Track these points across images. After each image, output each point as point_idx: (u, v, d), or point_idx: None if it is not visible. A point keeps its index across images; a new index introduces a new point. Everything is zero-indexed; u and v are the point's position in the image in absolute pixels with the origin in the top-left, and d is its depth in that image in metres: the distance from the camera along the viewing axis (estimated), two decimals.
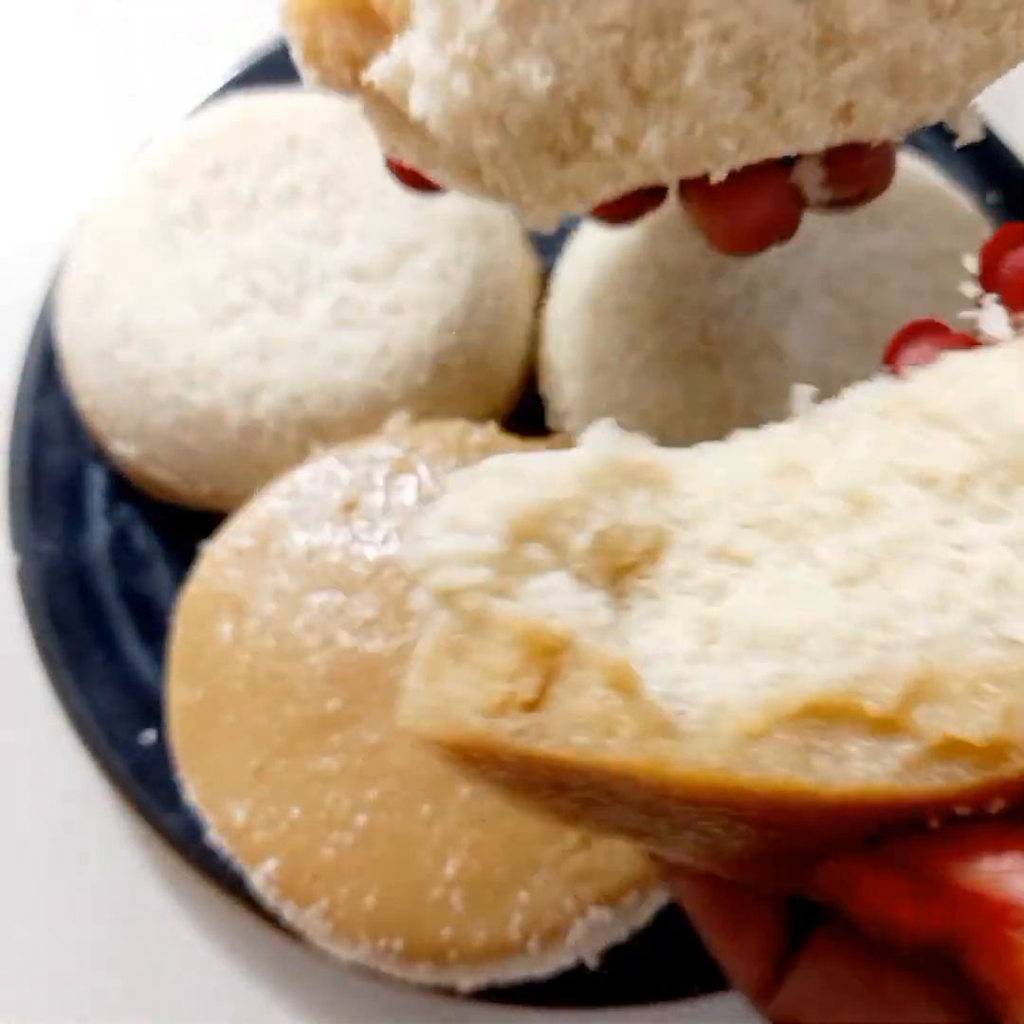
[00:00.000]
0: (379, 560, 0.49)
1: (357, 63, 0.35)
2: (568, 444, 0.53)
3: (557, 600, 0.28)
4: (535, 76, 0.31)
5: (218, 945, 0.57)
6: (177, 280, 0.58)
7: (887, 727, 0.25)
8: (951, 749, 0.25)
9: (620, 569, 0.30)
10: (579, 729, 0.26)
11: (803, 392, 0.31)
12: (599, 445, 0.30)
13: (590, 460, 0.29)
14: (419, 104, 0.32)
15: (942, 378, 0.30)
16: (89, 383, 0.59)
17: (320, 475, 0.52)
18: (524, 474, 0.29)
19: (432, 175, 0.37)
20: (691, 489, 0.30)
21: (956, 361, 0.30)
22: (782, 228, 0.37)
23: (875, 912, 0.26)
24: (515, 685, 0.26)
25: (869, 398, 0.30)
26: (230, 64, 0.71)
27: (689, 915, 0.36)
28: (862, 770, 0.25)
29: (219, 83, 0.70)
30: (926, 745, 0.25)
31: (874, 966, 0.30)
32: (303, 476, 0.52)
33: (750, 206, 0.36)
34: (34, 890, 0.59)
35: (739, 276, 0.54)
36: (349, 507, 0.51)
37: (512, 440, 0.52)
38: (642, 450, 0.31)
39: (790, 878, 0.31)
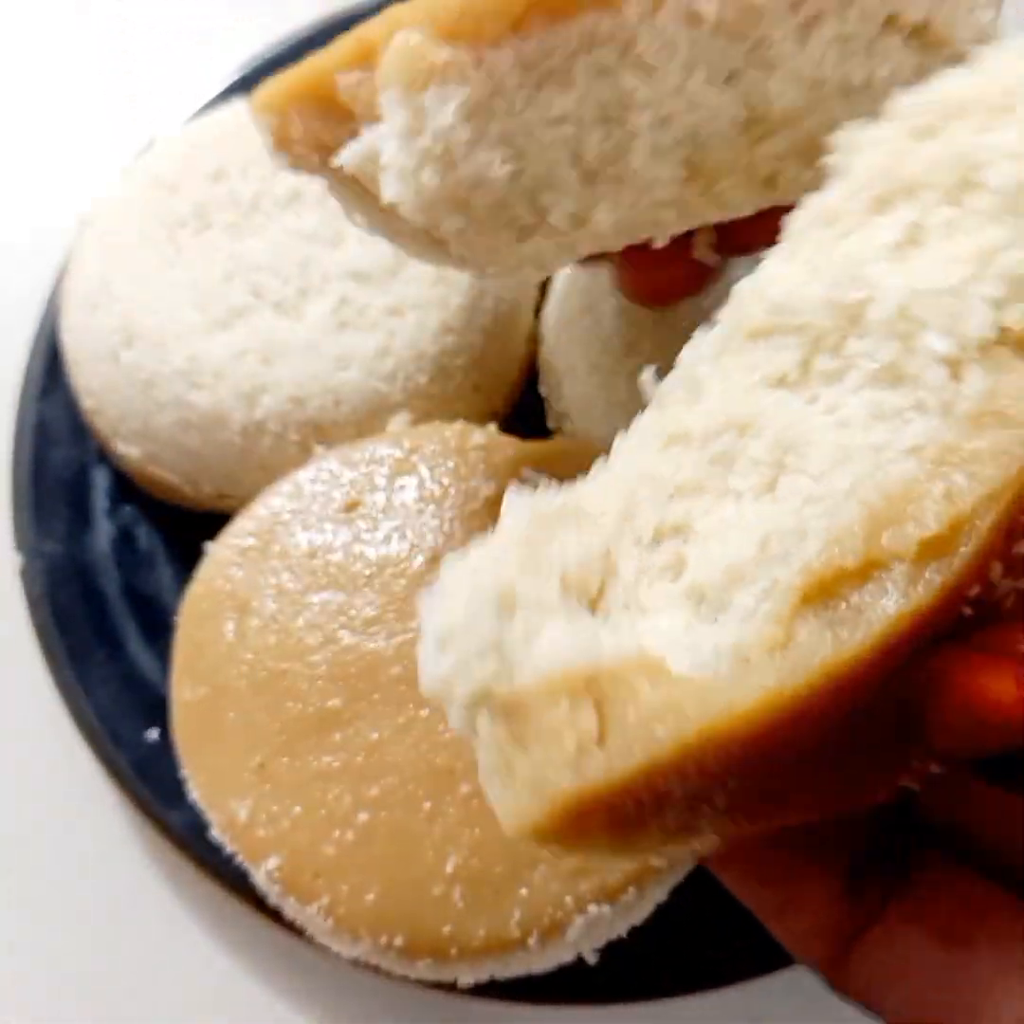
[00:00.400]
0: (380, 559, 0.49)
1: (325, 148, 0.38)
2: (568, 445, 0.54)
3: (563, 646, 0.29)
4: (496, 165, 0.35)
5: (220, 941, 0.57)
6: (179, 282, 0.58)
7: (872, 567, 0.27)
8: (929, 549, 0.27)
9: (594, 598, 0.32)
10: (652, 725, 0.27)
11: (647, 377, 0.34)
12: (517, 511, 0.32)
13: (518, 528, 0.32)
14: (390, 192, 0.35)
15: (748, 296, 0.34)
16: (92, 384, 0.60)
17: (322, 476, 0.52)
18: (474, 569, 0.31)
19: (398, 246, 0.40)
20: (602, 506, 0.33)
21: (746, 284, 0.34)
22: (688, 287, 0.43)
23: (975, 703, 0.26)
24: (577, 729, 0.28)
25: (698, 352, 0.34)
26: (230, 65, 0.71)
27: (743, 901, 0.36)
28: (880, 611, 0.27)
29: (219, 84, 0.71)
30: (910, 560, 0.27)
31: (958, 944, 0.30)
32: (305, 477, 0.52)
33: (661, 272, 0.42)
34: (37, 886, 0.59)
35: (737, 279, 0.55)
36: (350, 507, 0.51)
37: (512, 440, 0.53)
38: (550, 498, 0.33)
39: (871, 766, 0.31)
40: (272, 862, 0.46)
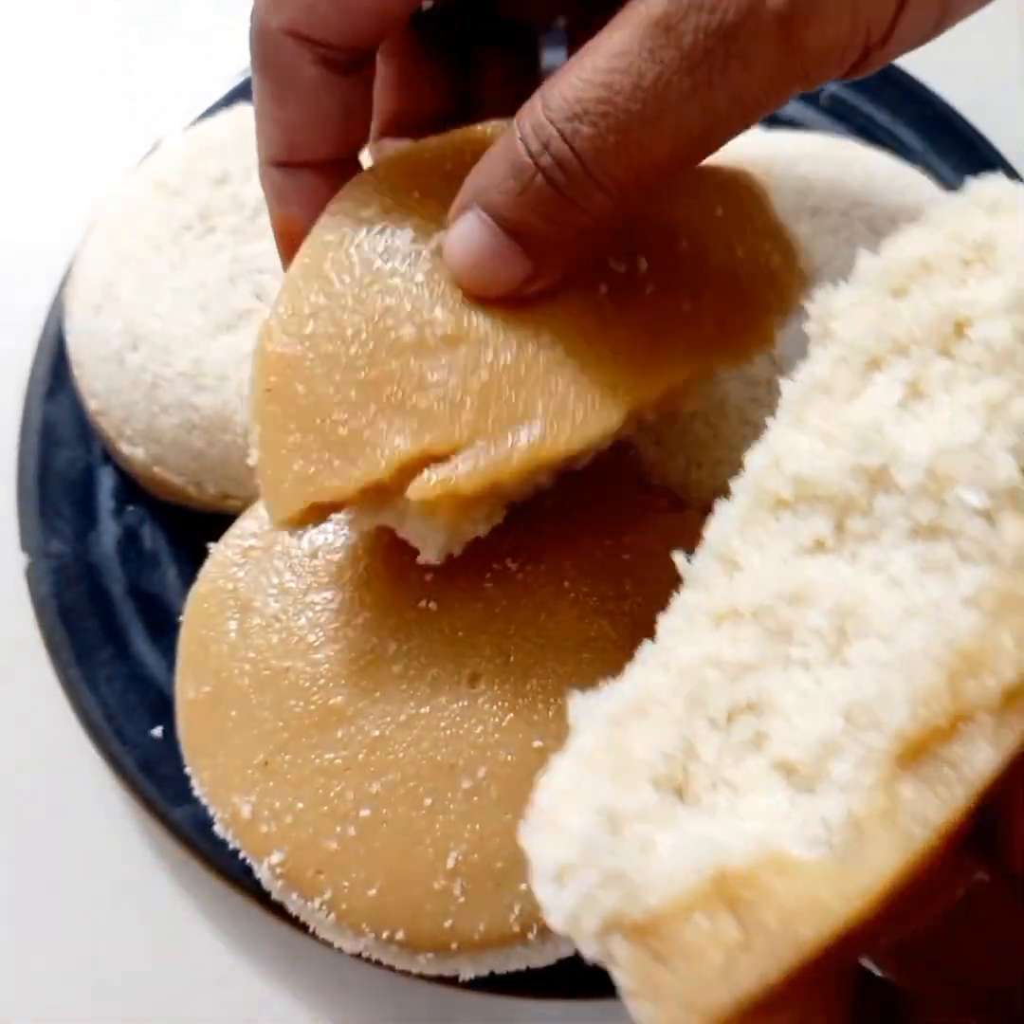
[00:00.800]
0: (382, 559, 0.50)
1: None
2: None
3: (682, 856, 0.29)
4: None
5: (224, 936, 0.58)
6: (184, 285, 0.59)
7: (959, 720, 0.28)
8: (1012, 698, 0.28)
9: (680, 785, 0.32)
10: (795, 925, 0.27)
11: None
12: (588, 718, 0.33)
13: (597, 737, 0.32)
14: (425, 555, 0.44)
15: (763, 470, 0.34)
16: (97, 386, 0.60)
17: None
18: (570, 791, 0.31)
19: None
20: (664, 692, 0.33)
21: (757, 457, 0.35)
22: None
23: None
24: (721, 941, 0.27)
25: (722, 528, 0.34)
26: (231, 64, 0.71)
27: None
28: (976, 763, 0.27)
29: (220, 83, 0.71)
30: (995, 709, 0.28)
31: None
32: None
33: None
34: (43, 882, 0.59)
35: None
36: None
37: None
38: (612, 696, 0.33)
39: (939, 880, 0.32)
40: (275, 857, 0.46)
